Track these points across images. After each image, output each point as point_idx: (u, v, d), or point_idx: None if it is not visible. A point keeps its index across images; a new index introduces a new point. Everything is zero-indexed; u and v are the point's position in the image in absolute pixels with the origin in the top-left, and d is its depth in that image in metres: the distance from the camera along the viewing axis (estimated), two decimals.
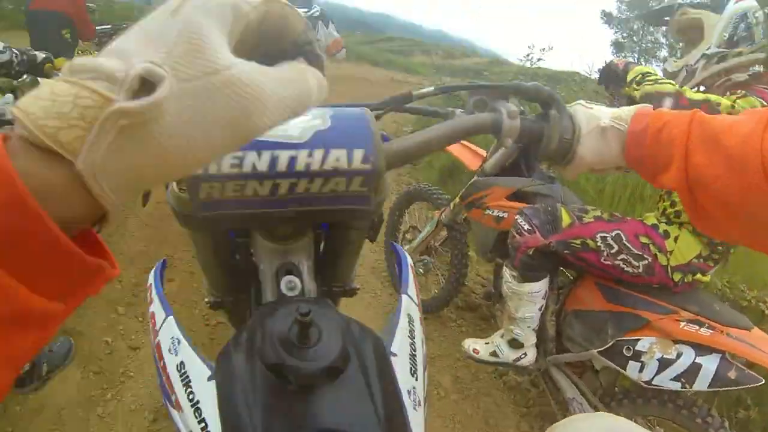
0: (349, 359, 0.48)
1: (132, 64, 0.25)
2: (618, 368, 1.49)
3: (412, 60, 15.52)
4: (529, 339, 1.71)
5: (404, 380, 0.55)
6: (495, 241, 1.89)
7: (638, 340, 1.45)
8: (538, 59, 7.10)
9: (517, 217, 1.61)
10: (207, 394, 0.51)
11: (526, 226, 1.56)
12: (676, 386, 1.39)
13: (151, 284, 0.70)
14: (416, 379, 0.58)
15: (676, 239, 1.45)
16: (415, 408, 0.54)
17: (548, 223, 1.55)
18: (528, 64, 7.19)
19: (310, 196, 0.52)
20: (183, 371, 0.54)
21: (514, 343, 1.73)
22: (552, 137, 0.69)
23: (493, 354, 1.79)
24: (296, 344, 0.46)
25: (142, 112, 0.24)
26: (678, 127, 0.61)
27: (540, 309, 1.66)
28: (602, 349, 1.52)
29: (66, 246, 0.25)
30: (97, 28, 3.88)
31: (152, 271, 0.74)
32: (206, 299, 0.88)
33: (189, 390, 0.52)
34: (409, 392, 0.54)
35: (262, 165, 0.48)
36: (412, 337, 0.62)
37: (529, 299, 1.63)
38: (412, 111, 0.84)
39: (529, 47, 7.18)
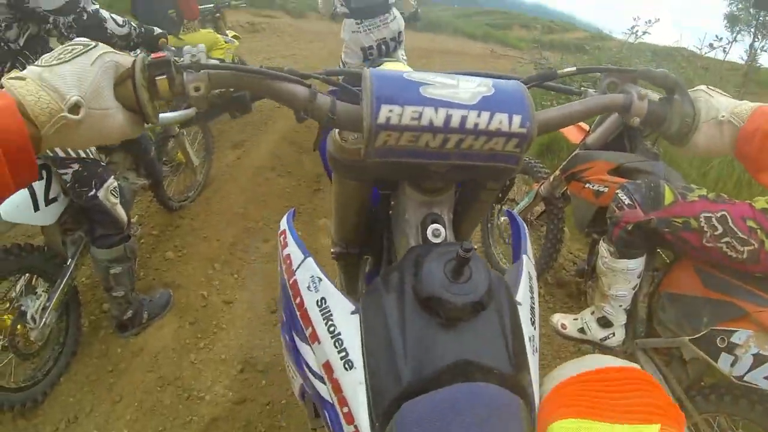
0: (492, 297, 0.54)
1: (69, 95, 0.53)
2: (709, 359, 1.40)
3: (510, 34, 14.91)
4: (619, 318, 1.65)
5: (526, 327, 0.59)
6: (593, 215, 1.84)
7: (734, 331, 1.35)
8: (644, 33, 6.50)
9: (618, 191, 1.55)
10: (349, 326, 0.57)
11: (627, 201, 1.50)
12: None
13: (284, 229, 0.77)
14: (534, 329, 0.63)
15: None
16: (533, 353, 0.59)
17: (650, 199, 1.47)
18: (632, 39, 6.61)
19: (471, 152, 0.58)
20: (324, 306, 0.61)
21: (604, 322, 1.68)
22: (673, 120, 0.76)
23: (581, 331, 1.76)
24: (451, 280, 0.52)
25: (73, 120, 0.53)
26: None
27: (634, 288, 1.60)
28: (694, 337, 1.44)
29: (27, 148, 0.51)
30: (200, 7, 4.12)
31: (284, 217, 0.80)
32: (332, 249, 0.96)
33: (330, 323, 0.59)
34: (530, 338, 0.59)
35: (439, 120, 0.55)
36: (531, 291, 0.67)
37: (623, 277, 1.57)
38: (552, 88, 0.90)
39: (634, 20, 6.58)
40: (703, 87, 0.79)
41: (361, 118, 0.57)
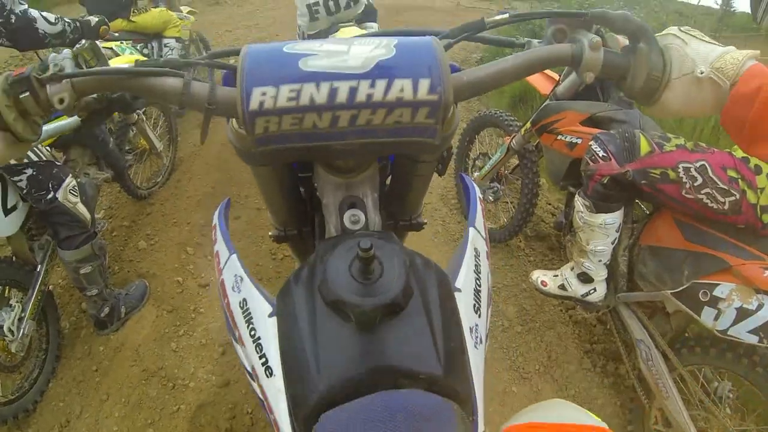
0: (411, 295, 0.47)
1: None
2: (691, 313, 1.38)
3: None
4: (600, 274, 1.64)
5: (467, 317, 0.54)
6: (567, 168, 1.80)
7: (717, 284, 1.33)
8: None
9: (592, 143, 1.49)
10: (268, 329, 0.52)
11: (601, 153, 1.45)
12: (753, 339, 1.26)
13: (215, 224, 0.71)
14: (479, 316, 0.56)
15: None
16: (476, 346, 0.53)
17: (625, 150, 1.42)
18: None
19: (372, 128, 0.50)
20: (245, 308, 0.56)
21: (584, 277, 1.67)
22: (638, 74, 0.63)
23: (562, 287, 1.74)
24: (357, 280, 0.46)
25: None
26: None
27: (613, 242, 1.57)
28: (676, 290, 1.42)
29: None
30: None
31: (216, 210, 0.75)
32: (270, 233, 0.90)
33: (251, 326, 0.54)
34: (471, 329, 0.53)
35: (321, 97, 0.47)
36: (477, 272, 0.60)
37: (601, 231, 1.54)
38: (484, 41, 0.77)
39: None
40: (674, 29, 0.65)
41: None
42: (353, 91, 0.48)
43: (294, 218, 0.83)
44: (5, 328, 1.66)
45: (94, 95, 0.62)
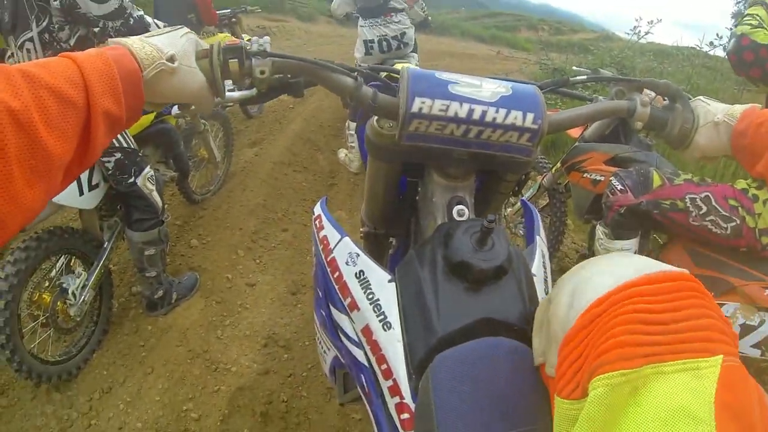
0: (512, 264, 0.63)
1: (166, 50, 0.65)
2: None
3: (517, 36, 15.03)
4: None
5: (540, 296, 0.68)
6: (591, 203, 1.98)
7: (723, 304, 1.46)
8: (646, 33, 6.59)
9: (612, 178, 1.69)
10: (387, 293, 0.66)
11: (620, 187, 1.64)
12: (756, 353, 1.40)
13: (319, 214, 0.87)
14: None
15: (765, 203, 1.44)
16: None
17: (640, 184, 1.60)
18: (635, 38, 6.70)
19: (490, 142, 0.68)
20: (363, 277, 0.69)
21: None
22: (675, 125, 0.87)
23: None
24: (476, 248, 0.62)
25: (169, 67, 0.64)
26: None
27: None
28: None
29: (139, 86, 0.63)
30: (218, 12, 4.35)
31: (318, 204, 0.91)
32: (361, 229, 1.06)
33: (369, 291, 0.67)
34: None
35: (462, 113, 0.65)
36: (545, 267, 0.78)
37: None
38: (566, 94, 0.99)
39: (636, 20, 6.67)
40: (701, 97, 0.91)
41: (397, 108, 0.67)
42: (484, 114, 0.65)
43: (386, 219, 0.99)
44: (70, 292, 1.84)
45: (288, 75, 0.80)
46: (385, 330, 0.64)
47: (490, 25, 16.64)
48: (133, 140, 1.97)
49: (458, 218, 0.73)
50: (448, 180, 0.77)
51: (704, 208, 1.48)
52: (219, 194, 3.25)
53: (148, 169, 1.98)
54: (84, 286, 1.90)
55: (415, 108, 0.65)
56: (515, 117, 0.66)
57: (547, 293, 0.72)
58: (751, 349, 1.41)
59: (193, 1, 3.91)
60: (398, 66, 2.54)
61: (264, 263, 2.63)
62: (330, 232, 0.81)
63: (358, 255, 0.73)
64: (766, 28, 1.65)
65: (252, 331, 2.18)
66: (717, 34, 6.46)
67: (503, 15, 19.94)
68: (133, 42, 0.63)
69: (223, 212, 3.04)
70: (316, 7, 12.33)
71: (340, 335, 0.75)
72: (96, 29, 1.76)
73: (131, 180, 1.91)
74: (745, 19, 1.71)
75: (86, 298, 1.90)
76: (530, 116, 0.66)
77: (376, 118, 0.74)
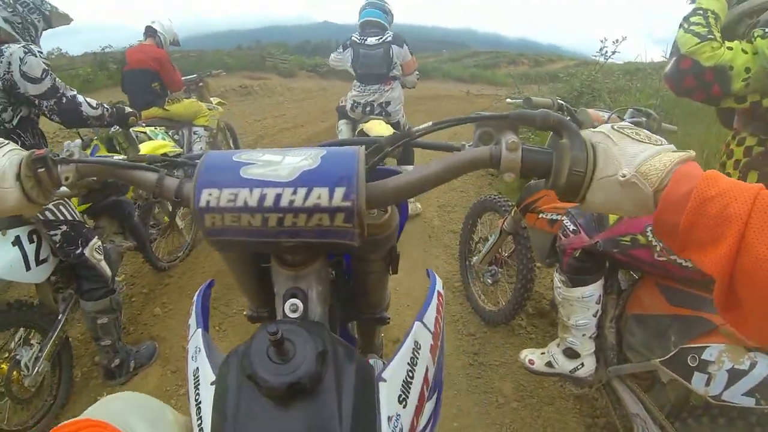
0: (319, 379, 0.53)
1: None
2: (682, 380, 1.28)
3: (497, 72, 15.43)
4: (586, 347, 1.60)
5: (388, 406, 0.58)
6: (551, 245, 1.83)
7: (705, 347, 1.25)
8: (613, 52, 6.58)
9: (563, 218, 1.56)
10: (207, 396, 0.59)
11: (571, 227, 1.50)
12: (750, 402, 1.17)
13: (194, 300, 0.79)
14: (404, 407, 0.59)
15: None
16: None
17: (594, 221, 1.46)
18: (602, 59, 6.70)
19: (298, 229, 0.57)
20: (196, 376, 0.63)
21: (570, 353, 1.62)
22: (561, 170, 0.60)
23: (549, 365, 1.70)
24: (270, 359, 0.53)
25: None
26: (737, 203, 0.49)
27: (595, 315, 1.55)
28: (665, 358, 1.33)
29: None
30: (183, 78, 4.43)
31: (198, 290, 0.83)
32: (245, 312, 0.96)
33: (197, 391, 0.61)
34: (390, 418, 0.57)
35: (252, 201, 0.56)
36: (413, 364, 0.63)
37: (580, 305, 1.53)
38: (422, 146, 0.80)
39: (601, 41, 6.68)
40: (606, 128, 0.60)
41: None
42: (278, 197, 0.55)
43: (264, 301, 0.88)
44: (23, 363, 1.86)
45: (94, 177, 0.75)
46: None
47: (470, 64, 17.11)
48: (77, 213, 2.02)
49: (291, 314, 0.63)
50: (286, 268, 0.67)
51: None
52: (187, 261, 3.24)
53: (95, 239, 2.04)
54: (37, 358, 1.91)
55: (202, 202, 0.57)
56: (318, 196, 0.55)
57: (402, 399, 0.60)
58: (744, 398, 1.18)
59: (155, 70, 3.97)
60: (364, 126, 2.64)
61: (224, 330, 2.59)
62: (191, 321, 0.73)
63: (199, 350, 0.65)
64: (715, 34, 1.32)
65: None
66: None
67: (483, 54, 20.53)
68: None
69: (186, 279, 3.04)
70: (296, 63, 12.70)
71: None
72: (36, 110, 1.86)
73: (79, 251, 1.94)
74: (692, 19, 1.36)
75: (40, 369, 1.91)
76: (339, 192, 0.55)
77: None
